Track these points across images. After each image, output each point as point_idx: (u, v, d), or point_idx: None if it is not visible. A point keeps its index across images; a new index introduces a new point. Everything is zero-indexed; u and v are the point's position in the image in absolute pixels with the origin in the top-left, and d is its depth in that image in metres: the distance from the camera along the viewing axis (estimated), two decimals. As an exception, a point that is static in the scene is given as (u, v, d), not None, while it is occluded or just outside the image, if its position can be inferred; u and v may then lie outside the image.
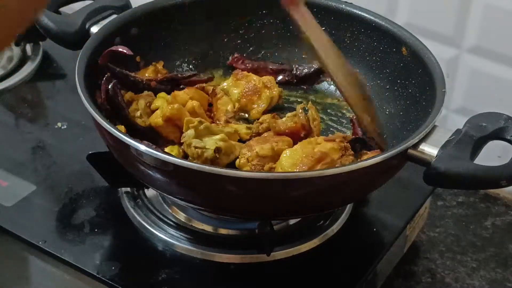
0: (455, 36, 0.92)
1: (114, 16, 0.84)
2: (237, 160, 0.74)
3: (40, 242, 0.75)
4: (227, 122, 0.81)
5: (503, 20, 0.88)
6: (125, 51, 0.77)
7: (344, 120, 0.84)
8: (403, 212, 0.81)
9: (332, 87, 0.86)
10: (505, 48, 0.90)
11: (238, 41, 0.89)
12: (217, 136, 0.73)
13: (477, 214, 0.93)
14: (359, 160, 0.72)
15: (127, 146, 0.66)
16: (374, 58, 0.84)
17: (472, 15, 0.90)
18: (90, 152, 0.77)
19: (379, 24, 0.82)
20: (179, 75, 0.83)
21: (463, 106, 0.95)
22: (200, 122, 0.73)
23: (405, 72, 0.80)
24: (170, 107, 0.76)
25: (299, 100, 0.86)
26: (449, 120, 0.96)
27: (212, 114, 0.82)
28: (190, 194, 0.69)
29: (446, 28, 0.92)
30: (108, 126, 0.67)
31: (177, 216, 0.78)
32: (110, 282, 0.72)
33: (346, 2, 0.85)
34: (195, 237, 0.76)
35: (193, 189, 0.67)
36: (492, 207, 0.95)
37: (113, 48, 0.78)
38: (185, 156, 0.74)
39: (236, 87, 0.84)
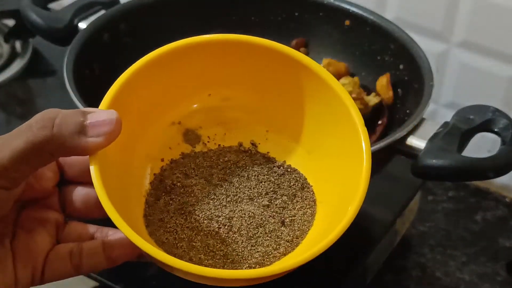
0: (444, 30, 0.92)
1: (103, 11, 0.84)
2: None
3: (29, 238, 0.75)
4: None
5: (492, 14, 0.88)
6: None
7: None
8: (393, 206, 0.81)
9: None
10: (494, 43, 0.90)
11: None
12: None
13: (467, 208, 0.94)
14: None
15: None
16: (362, 51, 0.84)
17: (461, 10, 0.90)
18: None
19: (367, 18, 0.82)
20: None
21: (452, 100, 0.95)
22: None
23: (393, 66, 0.80)
24: None
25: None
26: (439, 114, 0.96)
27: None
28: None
29: (435, 23, 0.93)
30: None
31: (167, 212, 0.78)
32: (100, 278, 0.72)
33: None
34: (185, 232, 0.75)
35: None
36: (482, 202, 0.95)
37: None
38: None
39: None
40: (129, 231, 0.45)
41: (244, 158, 0.56)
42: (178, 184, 0.54)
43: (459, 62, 0.93)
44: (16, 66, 1.01)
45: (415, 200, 0.85)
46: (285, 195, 0.54)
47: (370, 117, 0.79)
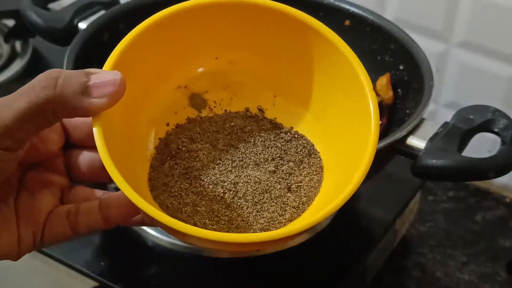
0: (444, 30, 0.92)
1: (103, 11, 0.84)
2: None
3: (29, 238, 0.75)
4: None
5: (491, 14, 0.88)
6: None
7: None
8: (392, 206, 0.81)
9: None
10: (494, 43, 0.90)
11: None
12: None
13: (467, 208, 0.94)
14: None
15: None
16: (362, 51, 0.84)
17: (461, 10, 0.90)
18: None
19: (367, 18, 0.82)
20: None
21: (452, 100, 0.95)
22: None
23: (393, 66, 0.80)
24: None
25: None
26: (439, 114, 0.96)
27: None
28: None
29: (435, 23, 0.93)
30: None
31: (167, 212, 0.78)
32: (99, 278, 0.72)
33: None
34: (185, 232, 0.75)
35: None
36: (482, 202, 0.95)
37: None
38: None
39: None
40: (132, 193, 0.45)
41: (250, 123, 0.55)
42: (183, 148, 0.53)
43: (459, 62, 0.93)
44: (16, 66, 1.01)
45: (415, 200, 0.85)
46: (292, 161, 0.53)
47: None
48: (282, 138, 0.55)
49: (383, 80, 0.80)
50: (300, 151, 0.54)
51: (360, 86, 0.50)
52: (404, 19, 0.93)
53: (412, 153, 0.67)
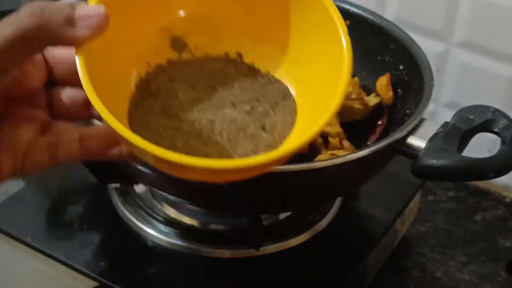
0: (444, 30, 0.92)
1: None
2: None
3: (29, 239, 0.75)
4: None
5: (491, 14, 0.88)
6: None
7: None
8: (393, 206, 0.81)
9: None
10: (494, 43, 0.90)
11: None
12: None
13: (467, 208, 0.94)
14: (347, 154, 0.72)
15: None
16: (362, 52, 0.84)
17: (461, 10, 0.90)
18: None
19: (367, 18, 0.82)
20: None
21: (452, 100, 0.95)
22: None
23: (393, 66, 0.80)
24: None
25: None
26: (439, 114, 0.96)
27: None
28: (178, 188, 0.69)
29: (435, 23, 0.93)
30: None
31: (167, 212, 0.78)
32: (99, 278, 0.71)
33: None
34: (185, 232, 0.75)
35: (181, 182, 0.67)
36: (482, 202, 0.95)
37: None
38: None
39: None
40: (112, 119, 0.46)
41: (229, 67, 0.57)
42: (163, 87, 0.55)
43: (459, 62, 0.93)
44: (16, 66, 1.01)
45: (415, 200, 0.85)
46: (267, 103, 0.55)
47: (370, 117, 0.79)
48: (259, 82, 0.57)
49: (383, 80, 0.80)
50: (275, 94, 0.56)
51: (335, 30, 0.52)
52: (404, 19, 0.93)
53: (412, 153, 0.67)
